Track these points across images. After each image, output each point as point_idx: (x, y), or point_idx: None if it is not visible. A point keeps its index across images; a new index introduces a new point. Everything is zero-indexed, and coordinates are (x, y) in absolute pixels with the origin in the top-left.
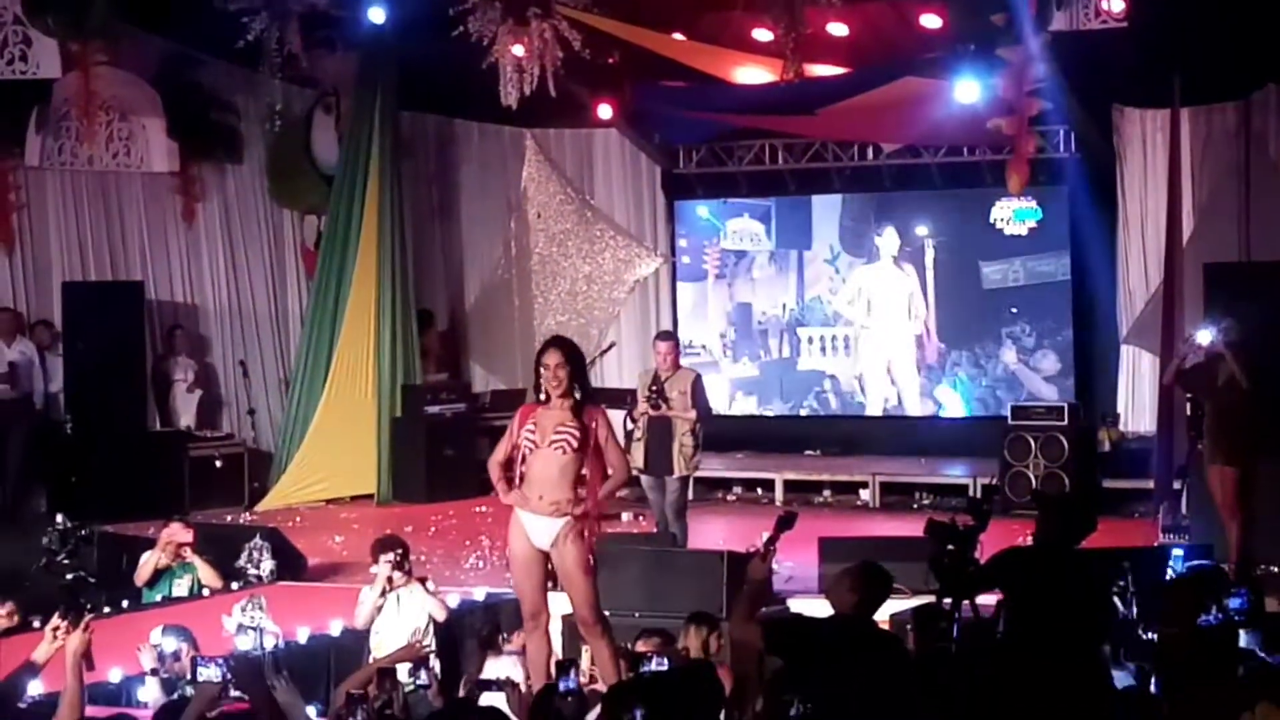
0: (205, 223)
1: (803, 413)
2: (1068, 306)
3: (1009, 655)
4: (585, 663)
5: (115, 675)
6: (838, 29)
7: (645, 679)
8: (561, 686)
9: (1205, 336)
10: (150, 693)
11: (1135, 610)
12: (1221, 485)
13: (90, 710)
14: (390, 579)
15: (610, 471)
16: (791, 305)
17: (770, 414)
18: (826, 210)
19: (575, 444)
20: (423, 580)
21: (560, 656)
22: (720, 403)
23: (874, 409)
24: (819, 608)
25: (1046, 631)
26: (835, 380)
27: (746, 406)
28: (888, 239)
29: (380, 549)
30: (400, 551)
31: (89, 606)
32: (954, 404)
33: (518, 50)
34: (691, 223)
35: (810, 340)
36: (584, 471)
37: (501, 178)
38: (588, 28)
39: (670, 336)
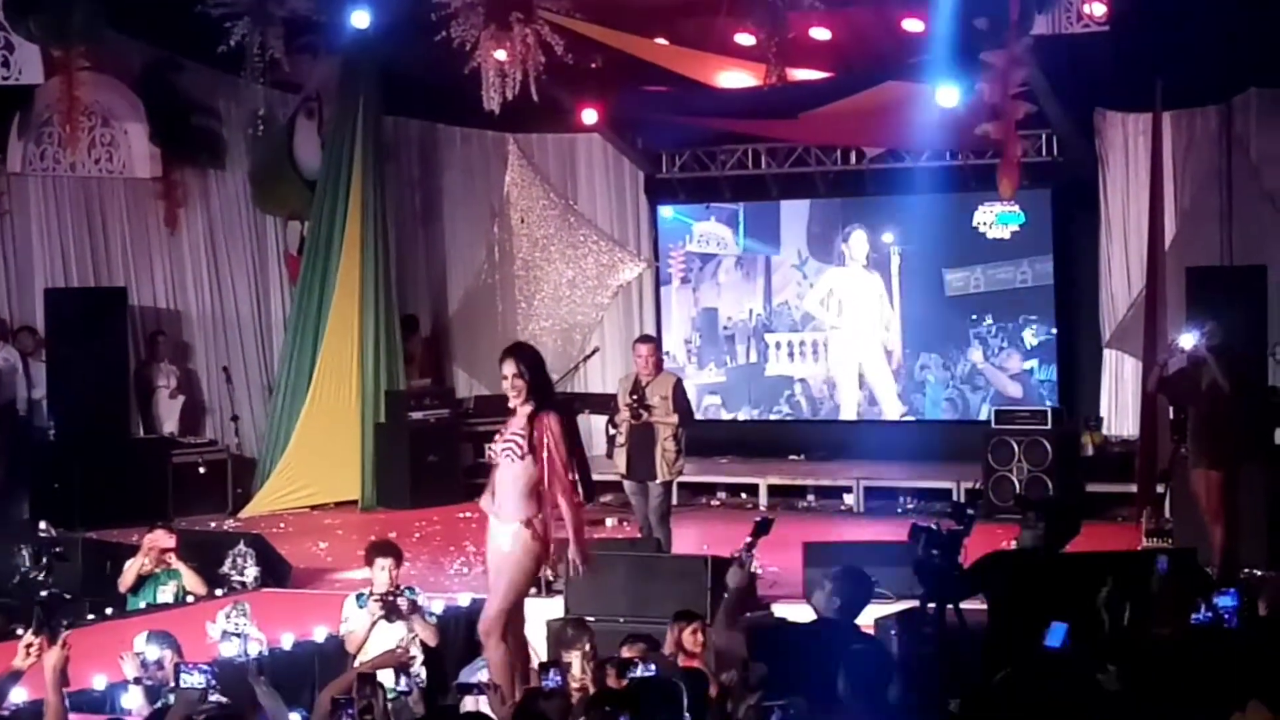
0: (188, 228)
1: (772, 418)
2: (1050, 310)
3: (994, 659)
4: (576, 668)
5: (99, 683)
6: (820, 33)
7: (631, 685)
8: (545, 685)
9: (1188, 340)
10: (134, 700)
11: (1119, 613)
12: (1205, 489)
13: (74, 718)
14: (384, 596)
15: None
16: (759, 310)
17: (740, 418)
18: (794, 215)
19: (520, 451)
20: (414, 605)
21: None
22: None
23: (848, 413)
24: (803, 612)
25: (1030, 635)
26: (805, 384)
27: (715, 413)
28: (856, 243)
29: (375, 553)
30: (395, 559)
31: (66, 624)
32: (921, 406)
33: (500, 55)
34: (659, 225)
35: (778, 345)
36: (543, 477)
37: (484, 183)
38: (570, 32)
39: (650, 340)
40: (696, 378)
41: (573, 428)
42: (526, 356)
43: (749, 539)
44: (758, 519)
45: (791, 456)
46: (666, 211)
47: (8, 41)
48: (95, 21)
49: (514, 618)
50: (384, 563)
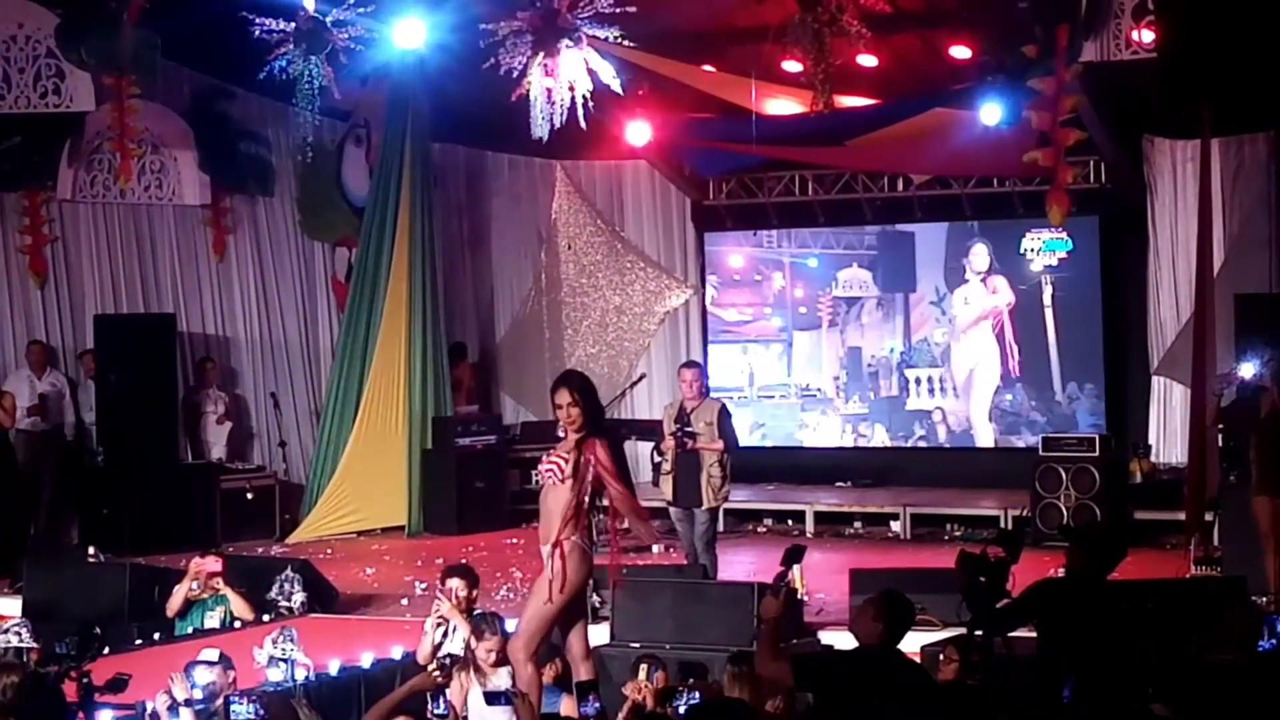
0: (236, 255)
1: (818, 445)
2: (1098, 337)
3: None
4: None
5: (153, 706)
6: (867, 60)
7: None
8: (582, 711)
9: (1248, 370)
10: None
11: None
12: (1274, 517)
13: None
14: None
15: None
16: (899, 347)
17: (879, 445)
18: (931, 249)
19: (561, 475)
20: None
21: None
22: (834, 437)
23: (984, 441)
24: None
25: (1079, 664)
26: (943, 412)
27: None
28: (977, 257)
29: (448, 574)
30: (465, 580)
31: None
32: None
33: (548, 82)
34: (807, 274)
35: (918, 381)
36: (581, 502)
37: (532, 209)
38: (618, 60)
39: (695, 365)
40: (844, 409)
41: (620, 454)
42: (579, 384)
43: (781, 568)
44: (789, 547)
45: (838, 483)
46: (813, 263)
47: (59, 69)
48: (147, 49)
49: (570, 635)
50: (454, 583)
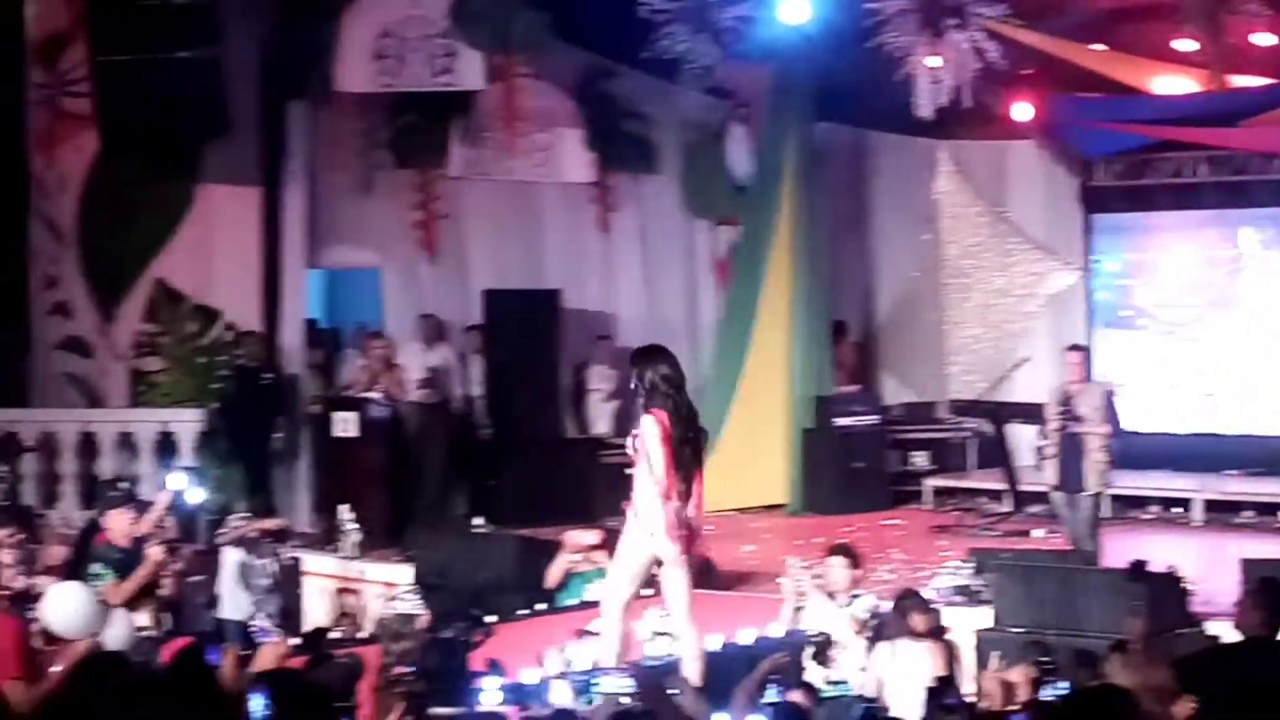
0: (620, 232)
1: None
2: None
3: None
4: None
5: (530, 677)
6: (1263, 39)
7: (1044, 704)
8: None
9: None
10: (562, 695)
11: None
12: None
13: (512, 712)
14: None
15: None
16: None
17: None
18: None
19: (633, 450)
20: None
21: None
22: (1223, 423)
23: None
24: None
25: None
26: None
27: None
28: None
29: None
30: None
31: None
32: None
33: (933, 61)
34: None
35: None
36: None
37: (915, 189)
38: (1004, 39)
39: (1082, 349)
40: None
41: (679, 423)
42: (633, 357)
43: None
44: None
45: (1228, 470)
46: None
47: (451, 49)
48: (537, 29)
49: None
50: (834, 560)
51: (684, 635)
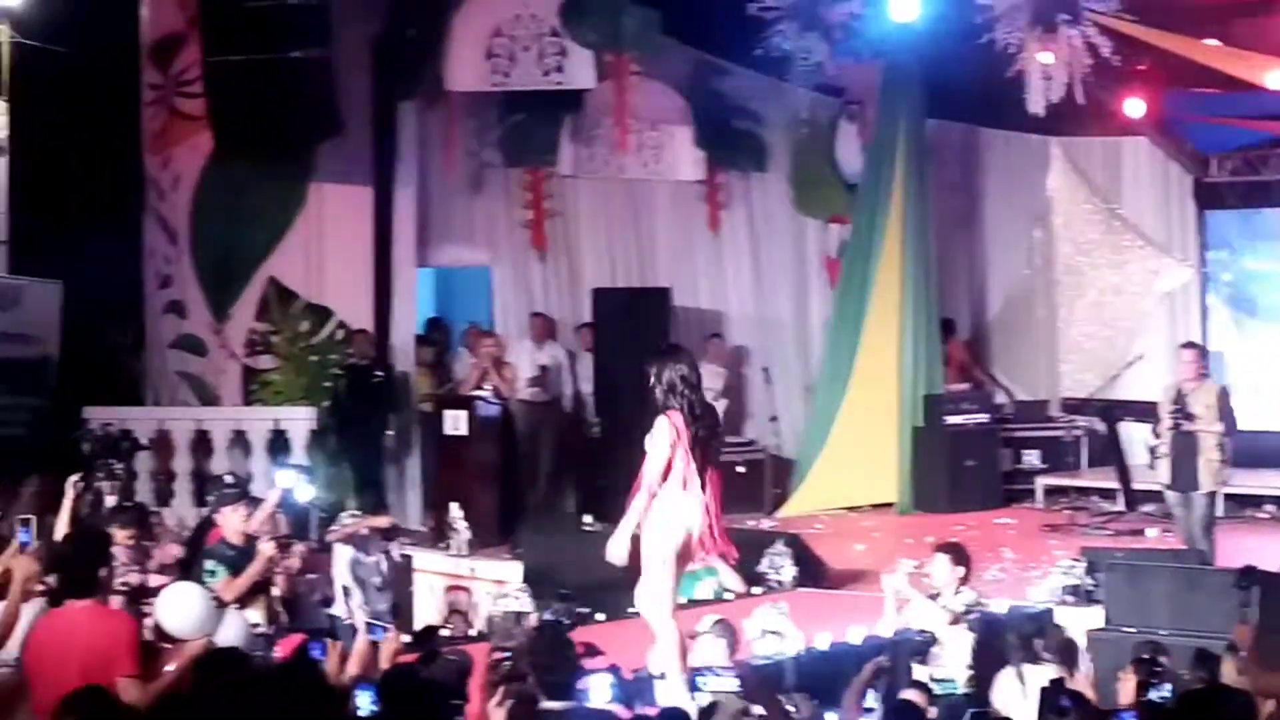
0: (730, 230)
1: None
2: None
3: None
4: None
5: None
6: None
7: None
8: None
9: None
10: (668, 694)
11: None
12: None
13: (621, 710)
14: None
15: None
16: None
17: None
18: None
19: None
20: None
21: None
22: None
23: None
24: None
25: None
26: None
27: None
28: None
29: (938, 548)
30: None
31: None
32: None
33: (1045, 58)
34: None
35: None
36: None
37: (1026, 186)
38: (1117, 34)
39: (1196, 346)
40: None
41: (698, 433)
42: (650, 358)
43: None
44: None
45: None
46: None
47: (562, 47)
48: (648, 27)
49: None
50: (939, 558)
51: (659, 633)
